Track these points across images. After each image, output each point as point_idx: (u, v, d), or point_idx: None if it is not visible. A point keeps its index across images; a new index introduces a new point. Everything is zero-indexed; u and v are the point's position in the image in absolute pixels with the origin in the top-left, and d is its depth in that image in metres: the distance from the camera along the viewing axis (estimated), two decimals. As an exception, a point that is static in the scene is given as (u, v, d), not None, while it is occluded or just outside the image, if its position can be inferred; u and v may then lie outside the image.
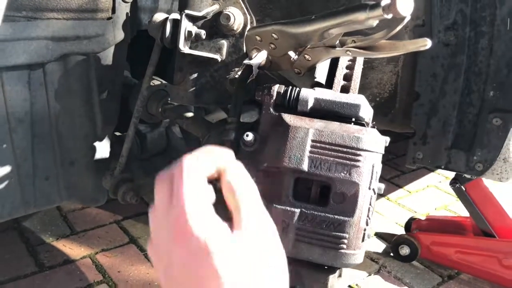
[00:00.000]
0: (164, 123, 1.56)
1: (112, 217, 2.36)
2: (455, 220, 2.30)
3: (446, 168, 1.67)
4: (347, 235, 0.85)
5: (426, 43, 0.75)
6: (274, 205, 0.87)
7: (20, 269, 1.96)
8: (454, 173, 2.06)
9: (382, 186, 0.94)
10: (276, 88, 0.92)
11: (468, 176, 1.97)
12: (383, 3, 0.68)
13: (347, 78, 1.00)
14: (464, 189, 1.98)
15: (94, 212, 2.39)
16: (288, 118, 0.89)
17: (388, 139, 1.06)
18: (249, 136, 0.89)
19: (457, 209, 2.62)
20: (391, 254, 2.18)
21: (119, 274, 1.98)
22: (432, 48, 1.56)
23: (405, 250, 2.12)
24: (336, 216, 0.85)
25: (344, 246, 0.86)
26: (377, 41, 0.78)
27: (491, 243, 2.00)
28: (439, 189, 2.88)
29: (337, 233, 0.85)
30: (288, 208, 0.86)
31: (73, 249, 2.11)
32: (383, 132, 1.84)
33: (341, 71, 1.00)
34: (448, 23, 1.53)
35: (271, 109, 0.91)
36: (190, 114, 1.33)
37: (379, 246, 2.26)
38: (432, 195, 2.82)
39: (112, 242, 2.18)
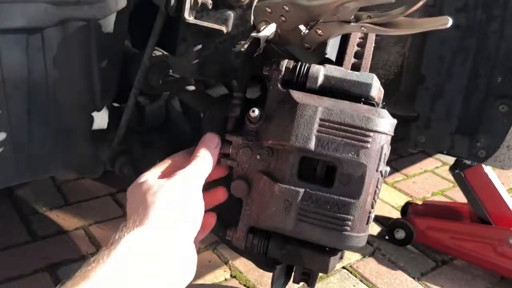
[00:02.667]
0: (163, 96, 1.52)
1: (106, 190, 2.33)
2: (452, 206, 2.30)
3: (448, 153, 1.65)
4: (351, 217, 0.83)
5: (447, 22, 0.72)
6: (278, 183, 0.84)
7: (12, 238, 1.95)
8: (453, 159, 2.05)
9: (388, 169, 0.92)
10: (285, 64, 0.88)
11: (468, 162, 1.96)
12: (405, -23, 0.64)
13: (358, 56, 0.97)
14: (463, 175, 1.97)
15: (88, 184, 2.36)
16: (296, 94, 0.86)
17: (395, 121, 1.04)
18: (255, 112, 0.86)
19: (453, 195, 2.62)
20: (386, 237, 2.18)
21: (113, 246, 1.96)
22: (442, 30, 1.55)
23: (400, 234, 2.12)
24: (341, 198, 0.82)
25: (348, 228, 0.84)
26: (395, 18, 0.75)
27: (486, 230, 2.00)
28: (436, 174, 2.87)
29: (341, 215, 0.83)
30: (292, 188, 0.84)
31: (66, 220, 2.10)
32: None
33: (352, 48, 0.96)
34: (460, 5, 1.49)
35: (279, 85, 0.88)
36: (191, 88, 1.29)
37: (375, 229, 2.26)
38: (429, 180, 2.82)
39: (106, 214, 2.17)
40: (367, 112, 0.83)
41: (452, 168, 2.01)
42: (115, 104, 1.41)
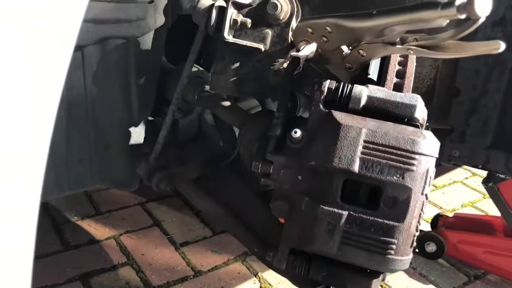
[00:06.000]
0: (196, 110, 1.53)
1: (136, 199, 2.36)
2: (484, 219, 2.25)
3: (483, 168, 1.62)
4: (396, 241, 0.82)
5: (499, 46, 0.70)
6: (321, 205, 0.84)
7: (46, 247, 1.98)
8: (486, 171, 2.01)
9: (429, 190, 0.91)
10: (328, 84, 0.88)
11: (502, 176, 1.93)
12: (458, 2, 0.64)
13: (400, 75, 0.96)
14: (497, 188, 1.93)
15: (118, 194, 2.39)
16: (339, 115, 0.85)
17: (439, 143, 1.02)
18: (297, 133, 0.86)
19: (484, 207, 2.57)
20: (417, 250, 2.15)
21: (143, 256, 1.98)
22: (477, 44, 1.53)
23: (431, 247, 2.09)
24: (386, 221, 0.82)
25: (392, 252, 0.83)
26: (443, 41, 0.74)
27: (522, 245, 1.96)
28: (466, 185, 2.83)
29: (386, 238, 0.82)
30: (336, 210, 0.83)
31: (97, 229, 2.12)
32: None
33: (393, 67, 0.96)
34: (496, 18, 1.47)
35: (321, 106, 0.88)
36: (227, 103, 1.29)
37: (404, 242, 2.22)
38: (459, 191, 2.77)
39: (136, 224, 2.19)
40: (412, 134, 0.83)
41: (485, 181, 1.97)
42: (150, 118, 1.43)
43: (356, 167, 0.82)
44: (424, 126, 0.88)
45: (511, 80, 1.51)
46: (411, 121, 0.86)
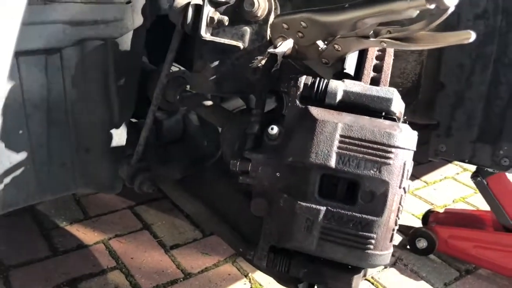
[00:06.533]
0: (181, 110, 1.52)
1: (125, 203, 2.34)
2: (475, 214, 2.25)
3: (470, 162, 1.62)
4: (374, 235, 0.82)
5: (469, 36, 0.70)
6: (298, 202, 0.83)
7: (34, 252, 1.96)
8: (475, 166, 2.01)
9: (410, 183, 0.90)
10: (303, 80, 0.87)
11: (490, 170, 1.93)
12: (426, -8, 0.63)
13: (377, 69, 0.96)
14: (486, 183, 1.93)
15: (107, 198, 2.37)
16: (315, 111, 0.85)
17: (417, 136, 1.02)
18: (274, 130, 0.86)
19: (475, 202, 2.57)
20: (408, 247, 2.15)
21: (132, 260, 1.97)
22: (460, 38, 1.52)
23: (422, 243, 2.08)
24: (364, 216, 0.81)
25: (371, 246, 0.82)
26: (415, 33, 0.74)
27: (511, 238, 1.95)
28: (457, 181, 2.83)
29: (364, 233, 0.82)
30: (314, 206, 0.82)
31: (86, 234, 2.11)
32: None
33: (370, 62, 0.95)
34: (479, 11, 1.47)
35: (297, 101, 0.87)
36: (209, 103, 1.29)
37: (396, 239, 2.22)
38: (450, 186, 2.77)
39: (125, 227, 2.17)
40: (389, 127, 0.82)
41: (474, 176, 1.97)
42: (133, 120, 1.42)
43: (332, 162, 0.81)
44: (401, 119, 0.88)
45: (495, 73, 1.51)
46: (388, 115, 0.85)
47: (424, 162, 2.96)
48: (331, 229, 0.82)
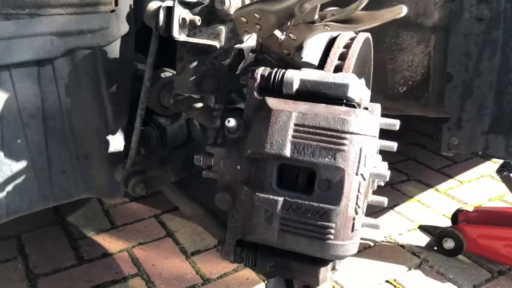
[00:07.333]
0: (184, 115, 1.55)
1: (151, 211, 2.40)
2: (506, 211, 2.13)
3: (483, 155, 1.54)
4: (333, 225, 0.79)
5: (401, 10, 0.67)
6: (256, 193, 0.82)
7: (62, 261, 2.04)
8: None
9: (387, 173, 0.87)
10: (260, 71, 0.87)
11: (515, 162, 1.82)
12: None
13: (343, 57, 0.93)
14: (512, 177, 1.83)
15: (134, 207, 2.44)
16: (271, 101, 0.84)
17: (398, 122, 0.98)
18: (231, 122, 0.86)
19: (513, 200, 2.44)
20: (435, 248, 2.06)
21: (153, 267, 2.00)
22: (464, 24, 1.46)
23: (449, 244, 1.99)
24: (321, 205, 0.79)
25: (331, 236, 0.80)
26: (353, 13, 0.72)
27: (545, 236, 1.83)
28: (495, 179, 2.68)
29: (323, 223, 0.79)
30: (271, 197, 0.81)
31: (111, 243, 2.17)
32: (413, 117, 1.72)
33: (336, 49, 0.93)
34: (481, -5, 1.41)
35: (255, 93, 0.87)
36: (199, 105, 1.30)
37: (422, 240, 2.14)
38: (486, 185, 2.64)
39: (149, 235, 2.22)
40: (343, 114, 0.80)
41: (500, 170, 1.87)
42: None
43: (287, 151, 0.80)
44: (362, 106, 0.85)
45: (503, 59, 1.44)
46: (347, 101, 0.83)
47: (459, 161, 2.84)
48: (290, 219, 0.81)
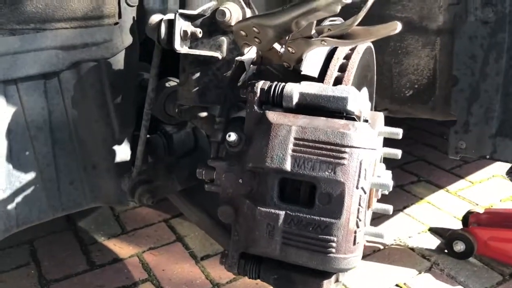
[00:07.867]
0: (190, 124, 1.56)
1: (161, 216, 2.41)
2: (517, 213, 2.11)
3: (491, 158, 1.53)
4: (335, 238, 0.80)
5: (396, 27, 0.68)
6: (259, 207, 0.83)
7: (73, 267, 2.06)
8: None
9: (391, 183, 0.87)
10: (260, 85, 0.88)
11: (525, 165, 1.80)
12: (340, -13, 0.62)
13: (343, 68, 0.93)
14: (522, 179, 1.81)
15: (144, 212, 2.45)
16: (271, 115, 0.84)
17: (401, 130, 0.98)
18: (232, 137, 0.86)
19: (525, 201, 2.41)
20: (445, 250, 2.04)
21: (163, 272, 2.02)
22: (469, 27, 1.45)
23: (459, 246, 1.98)
24: (322, 218, 0.79)
25: (333, 249, 0.80)
26: (349, 28, 0.72)
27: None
28: (506, 179, 2.65)
29: (324, 236, 0.80)
30: (273, 211, 0.82)
31: (122, 248, 2.19)
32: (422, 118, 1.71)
33: (336, 61, 0.93)
34: (486, -1, 1.40)
35: (255, 107, 0.87)
36: (203, 114, 1.31)
37: (433, 242, 2.13)
38: (498, 185, 2.61)
39: (160, 240, 2.23)
40: (343, 127, 0.80)
41: (509, 172, 1.85)
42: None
43: (288, 166, 0.81)
44: (362, 118, 0.85)
45: (510, 61, 1.42)
46: (347, 114, 0.83)
47: (469, 161, 2.82)
48: (292, 233, 0.81)
